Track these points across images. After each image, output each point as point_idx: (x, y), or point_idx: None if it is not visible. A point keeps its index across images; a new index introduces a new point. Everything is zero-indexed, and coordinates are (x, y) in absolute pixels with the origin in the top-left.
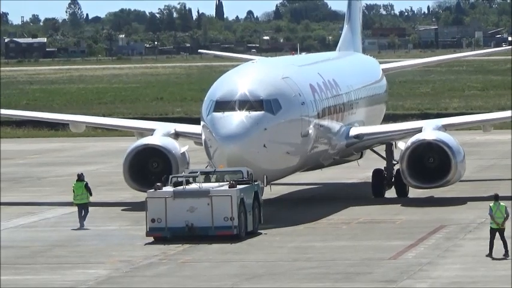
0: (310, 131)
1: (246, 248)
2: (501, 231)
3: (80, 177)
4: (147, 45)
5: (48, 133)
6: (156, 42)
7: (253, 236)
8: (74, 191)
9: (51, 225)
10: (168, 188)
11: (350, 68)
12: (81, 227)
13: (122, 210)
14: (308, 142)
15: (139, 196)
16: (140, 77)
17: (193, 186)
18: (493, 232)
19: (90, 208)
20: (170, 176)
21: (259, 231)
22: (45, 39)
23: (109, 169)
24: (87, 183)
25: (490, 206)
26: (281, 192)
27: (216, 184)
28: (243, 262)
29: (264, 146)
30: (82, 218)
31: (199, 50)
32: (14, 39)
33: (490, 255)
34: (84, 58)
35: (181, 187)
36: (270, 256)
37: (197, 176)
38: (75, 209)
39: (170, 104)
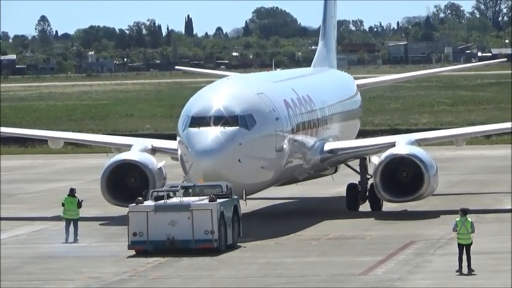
0: (284, 146)
1: (216, 264)
2: (468, 247)
3: (72, 192)
4: (117, 62)
5: (17, 150)
6: (125, 59)
7: (232, 250)
8: (63, 205)
9: (22, 242)
10: (150, 202)
11: (324, 83)
12: (75, 240)
13: (100, 224)
14: (282, 157)
15: (112, 212)
16: (110, 94)
17: (174, 200)
18: (461, 247)
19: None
20: (151, 191)
21: (238, 244)
22: (14, 56)
23: (80, 186)
24: (78, 199)
25: (456, 221)
26: (256, 206)
27: (196, 198)
28: (214, 278)
29: (239, 160)
30: (70, 232)
31: (176, 67)
32: None
33: (459, 270)
34: (54, 75)
35: (163, 201)
36: (240, 272)
37: (177, 191)
38: (44, 225)
39: (140, 121)
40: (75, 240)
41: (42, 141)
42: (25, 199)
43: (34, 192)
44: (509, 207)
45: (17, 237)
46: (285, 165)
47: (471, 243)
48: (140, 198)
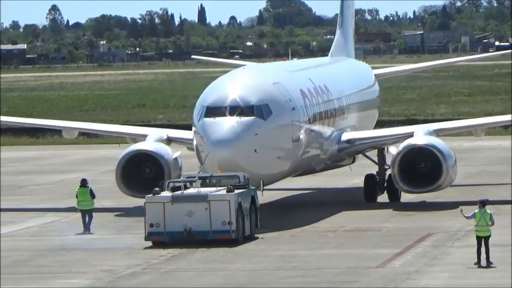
0: (301, 136)
1: (230, 256)
2: (486, 239)
3: (84, 183)
4: (129, 52)
5: (27, 141)
6: (137, 49)
7: (250, 241)
8: (77, 197)
9: (33, 234)
10: (166, 193)
11: (342, 73)
12: (86, 232)
13: (113, 216)
14: (299, 147)
15: (124, 203)
16: (122, 84)
17: (191, 190)
18: (479, 240)
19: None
20: (167, 181)
21: (255, 235)
22: (25, 46)
23: (92, 177)
24: (91, 189)
25: (475, 213)
26: (272, 197)
27: (214, 189)
28: (227, 271)
29: (255, 151)
30: (87, 223)
31: (192, 56)
32: None
33: (478, 263)
34: (65, 65)
35: (180, 192)
36: (254, 265)
37: (194, 181)
38: (56, 217)
39: (153, 111)
40: (89, 231)
41: (54, 131)
42: (36, 190)
43: (45, 184)
44: None
45: (28, 229)
46: (302, 155)
47: (490, 236)
48: (157, 188)
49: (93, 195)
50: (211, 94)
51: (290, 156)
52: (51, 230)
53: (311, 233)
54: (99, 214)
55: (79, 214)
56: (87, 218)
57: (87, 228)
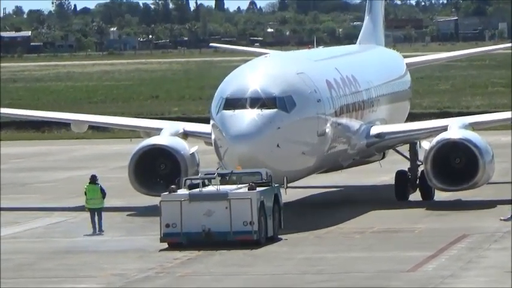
0: (327, 130)
1: (250, 259)
2: None
3: (94, 179)
4: (141, 39)
5: (32, 135)
6: (150, 36)
7: (272, 242)
8: (86, 194)
9: (38, 235)
10: (183, 191)
11: (371, 62)
12: (96, 232)
13: (124, 216)
14: (325, 141)
15: (136, 202)
16: (134, 74)
17: (210, 188)
18: None
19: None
20: (184, 178)
21: (279, 236)
22: (29, 33)
23: (102, 173)
24: (102, 187)
25: None
26: (295, 196)
27: (234, 186)
28: (248, 275)
29: (278, 145)
30: (96, 223)
31: (211, 44)
32: None
33: None
34: (73, 53)
35: (198, 189)
36: (276, 268)
37: (214, 178)
38: (63, 217)
39: (166, 103)
40: (100, 232)
41: (60, 125)
42: (41, 189)
43: (51, 181)
44: None
45: (32, 231)
46: (328, 150)
47: None
48: (173, 186)
49: (103, 193)
50: (230, 85)
51: (315, 152)
52: (58, 231)
53: (337, 235)
54: (109, 214)
55: (87, 214)
56: (96, 218)
57: (98, 228)
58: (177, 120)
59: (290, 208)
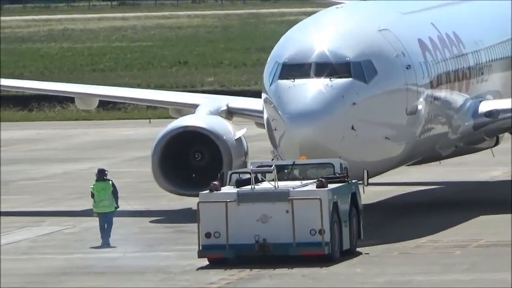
0: (419, 107)
1: (312, 283)
2: None
3: (102, 175)
4: None
5: (16, 115)
6: None
7: (349, 258)
8: (93, 195)
9: (24, 251)
10: (229, 189)
11: (479, 15)
12: (105, 244)
13: (151, 222)
14: (417, 122)
15: (157, 206)
16: (154, 32)
17: (265, 185)
18: None
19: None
20: (230, 172)
21: (357, 250)
22: None
23: (111, 168)
24: (113, 183)
25: None
26: (375, 196)
27: (298, 183)
28: None
29: (352, 128)
30: (106, 231)
31: None
32: None
33: None
34: (71, 4)
35: (249, 187)
36: None
37: (270, 171)
38: (57, 226)
39: (198, 71)
40: (108, 244)
41: (54, 100)
42: (29, 188)
43: (42, 178)
44: None
45: (17, 245)
46: (421, 134)
47: None
48: (215, 182)
49: (115, 192)
50: (289, 46)
51: (403, 136)
52: (50, 246)
53: (430, 250)
54: (120, 221)
55: (89, 222)
56: (105, 224)
57: (105, 239)
58: (213, 93)
59: (367, 212)
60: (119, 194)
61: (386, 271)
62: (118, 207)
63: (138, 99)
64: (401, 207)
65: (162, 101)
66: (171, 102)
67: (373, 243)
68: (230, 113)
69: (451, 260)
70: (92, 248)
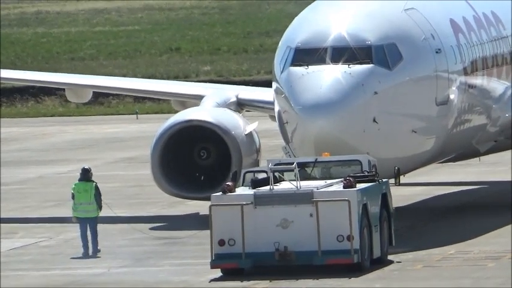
0: (451, 96)
1: None
2: None
3: (85, 175)
4: None
5: None
6: None
7: (381, 266)
8: (73, 197)
9: None
10: (245, 190)
11: None
12: (90, 254)
13: (151, 229)
14: (448, 114)
15: (148, 212)
16: (141, 15)
17: (286, 185)
18: None
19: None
20: (244, 171)
21: (389, 258)
22: None
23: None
24: (97, 186)
25: None
26: (401, 198)
27: (322, 182)
28: None
29: (374, 120)
30: (89, 239)
31: None
32: None
33: None
34: None
35: (267, 188)
36: None
37: (291, 170)
38: (31, 238)
39: (193, 59)
40: (96, 253)
41: (26, 94)
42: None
43: (13, 183)
44: None
45: None
46: (453, 127)
47: None
48: (228, 183)
49: (98, 196)
50: (302, 28)
51: (433, 129)
52: (24, 261)
53: (460, 262)
54: (106, 229)
55: (71, 233)
56: (88, 233)
57: (93, 247)
58: (210, 83)
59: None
60: (102, 202)
61: (410, 286)
62: (99, 212)
63: (143, 90)
64: (426, 211)
65: (162, 91)
66: (173, 93)
67: (405, 251)
68: (240, 105)
69: (484, 273)
70: (73, 258)
